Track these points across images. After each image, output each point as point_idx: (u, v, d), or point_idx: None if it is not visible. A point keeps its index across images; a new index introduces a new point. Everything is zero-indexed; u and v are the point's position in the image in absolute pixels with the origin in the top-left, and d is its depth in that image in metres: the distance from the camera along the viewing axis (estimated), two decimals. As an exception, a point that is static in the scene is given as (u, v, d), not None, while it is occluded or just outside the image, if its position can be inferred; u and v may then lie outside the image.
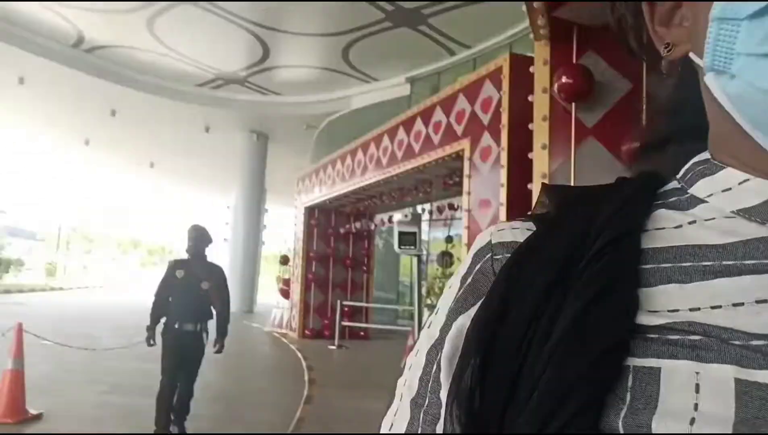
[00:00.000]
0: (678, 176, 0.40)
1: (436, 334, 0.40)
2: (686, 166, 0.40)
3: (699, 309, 0.31)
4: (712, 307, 0.31)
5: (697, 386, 0.28)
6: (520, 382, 0.31)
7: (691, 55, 0.37)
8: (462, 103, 5.95)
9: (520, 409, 0.30)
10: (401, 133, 7.38)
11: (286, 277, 12.75)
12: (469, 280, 0.40)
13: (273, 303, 13.52)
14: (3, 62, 12.61)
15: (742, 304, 0.30)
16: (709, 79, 0.35)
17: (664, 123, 0.46)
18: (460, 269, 0.42)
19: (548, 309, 0.33)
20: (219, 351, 4.60)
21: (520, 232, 0.40)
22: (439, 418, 0.37)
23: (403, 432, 0.39)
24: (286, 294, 12.38)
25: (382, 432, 0.42)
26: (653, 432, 0.28)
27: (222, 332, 4.64)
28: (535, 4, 3.37)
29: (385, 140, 7.90)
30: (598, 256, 0.34)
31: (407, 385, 0.41)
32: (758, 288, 0.31)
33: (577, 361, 0.30)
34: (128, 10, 10.75)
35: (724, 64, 0.34)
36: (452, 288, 0.41)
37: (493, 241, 0.40)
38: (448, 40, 11.18)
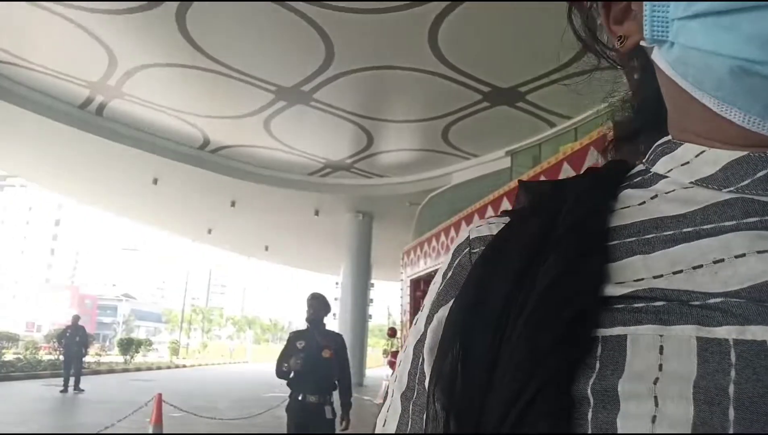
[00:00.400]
0: (643, 160, 0.42)
1: (421, 328, 0.41)
2: (651, 150, 0.41)
3: (662, 276, 0.32)
4: (674, 273, 0.32)
5: (661, 348, 0.29)
6: (498, 362, 0.32)
7: (642, 43, 0.39)
8: (567, 171, 6.00)
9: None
10: (505, 204, 7.49)
11: (394, 349, 12.88)
12: (450, 274, 0.41)
13: (381, 375, 13.63)
14: (140, 166, 14.23)
15: (701, 265, 0.32)
16: (655, 55, 0.38)
17: (633, 116, 0.47)
18: (442, 266, 0.43)
19: (521, 291, 0.34)
20: (346, 428, 4.51)
21: (496, 226, 0.41)
22: (425, 407, 0.38)
23: (395, 426, 0.40)
24: (394, 366, 12.41)
25: (377, 430, 0.43)
26: (618, 393, 0.29)
27: (346, 404, 4.58)
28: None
29: (489, 211, 8.02)
30: (564, 237, 0.35)
31: (397, 380, 0.42)
32: (715, 249, 0.32)
33: (543, 335, 0.31)
34: (248, 114, 11.92)
35: (661, 33, 0.36)
36: (435, 284, 0.42)
37: (471, 236, 0.42)
38: (547, 113, 11.32)
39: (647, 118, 0.45)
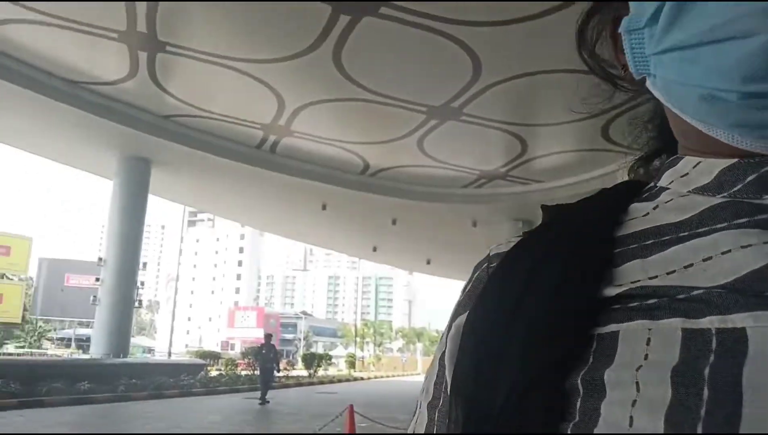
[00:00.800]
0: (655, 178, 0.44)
1: (443, 340, 0.43)
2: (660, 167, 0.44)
3: (657, 277, 0.34)
4: (668, 273, 0.33)
5: (648, 340, 0.31)
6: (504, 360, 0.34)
7: (636, 78, 0.41)
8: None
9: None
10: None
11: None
12: (468, 287, 0.43)
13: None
14: (310, 194, 15.46)
15: (692, 264, 0.33)
16: (648, 84, 0.40)
17: (647, 138, 0.49)
18: (465, 283, 0.45)
19: (529, 296, 0.36)
20: None
21: (508, 242, 0.43)
22: (449, 413, 0.39)
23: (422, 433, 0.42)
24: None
25: None
26: (604, 382, 0.30)
27: None
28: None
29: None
30: (568, 246, 0.38)
31: (425, 391, 0.44)
32: (705, 248, 0.34)
33: (538, 333, 0.33)
34: (402, 136, 12.44)
35: (643, 68, 0.39)
36: (457, 299, 0.44)
37: (491, 253, 0.44)
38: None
39: (666, 137, 0.45)
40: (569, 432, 0.30)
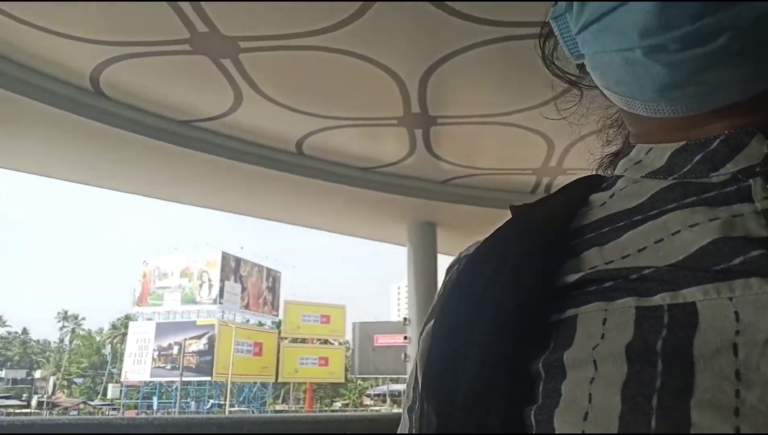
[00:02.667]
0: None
1: (418, 344, 0.43)
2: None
3: (612, 261, 0.35)
4: (623, 257, 0.34)
5: (605, 320, 0.32)
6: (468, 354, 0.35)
7: (578, 66, 0.45)
8: None
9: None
10: None
11: None
12: (441, 290, 0.44)
13: None
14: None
15: (645, 247, 0.34)
16: (588, 69, 0.42)
17: (614, 134, 0.51)
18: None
19: (489, 291, 0.37)
20: None
21: (474, 244, 0.45)
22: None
23: None
24: None
25: None
26: (564, 364, 0.31)
27: None
28: None
29: None
30: (525, 240, 0.39)
31: (405, 396, 0.45)
32: (656, 230, 0.35)
33: (501, 325, 0.34)
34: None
35: (574, 50, 0.41)
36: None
37: (461, 255, 0.45)
38: None
39: (626, 137, 0.49)
40: (532, 415, 0.32)
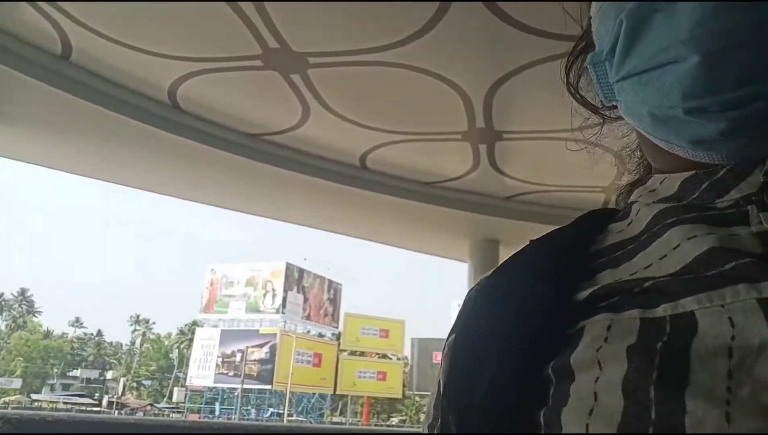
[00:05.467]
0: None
1: (440, 362, 0.45)
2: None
3: (621, 280, 0.37)
4: (630, 275, 0.37)
5: (609, 326, 0.34)
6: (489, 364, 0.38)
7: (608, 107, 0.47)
8: None
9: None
10: None
11: None
12: (462, 308, 0.46)
13: None
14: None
15: (651, 264, 0.37)
16: (620, 111, 0.45)
17: (635, 164, 0.54)
18: None
19: (507, 310, 0.39)
20: None
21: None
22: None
23: None
24: None
25: None
26: (572, 367, 0.33)
27: None
28: None
29: None
30: (544, 263, 0.42)
31: (426, 415, 0.46)
32: (660, 247, 0.37)
33: (515, 338, 0.37)
34: None
35: (610, 96, 0.44)
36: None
37: (481, 279, 0.47)
38: None
39: (646, 166, 0.51)
40: (542, 416, 0.34)
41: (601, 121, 0.54)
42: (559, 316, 0.37)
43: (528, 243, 0.49)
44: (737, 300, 0.31)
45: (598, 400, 0.31)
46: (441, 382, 0.44)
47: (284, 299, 37.13)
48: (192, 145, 5.49)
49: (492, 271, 0.48)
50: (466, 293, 0.50)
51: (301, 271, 39.58)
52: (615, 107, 0.48)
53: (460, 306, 0.48)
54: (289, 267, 38.39)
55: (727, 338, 0.30)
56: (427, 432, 0.45)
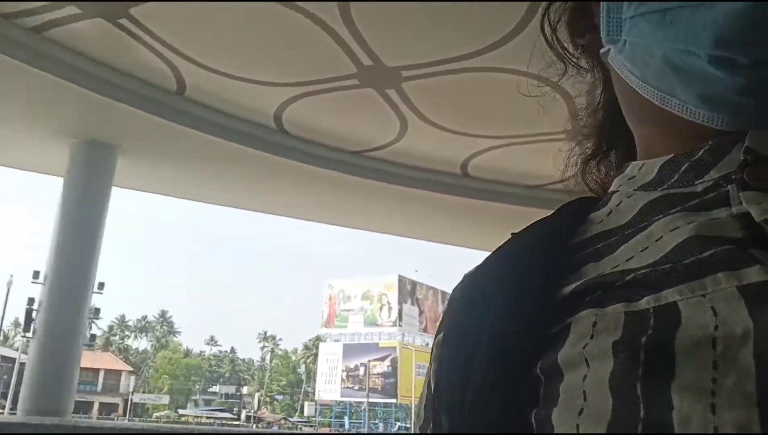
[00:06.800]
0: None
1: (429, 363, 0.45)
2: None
3: (604, 273, 0.36)
4: (612, 268, 0.36)
5: (595, 322, 0.33)
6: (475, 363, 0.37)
7: (601, 51, 0.44)
8: None
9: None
10: None
11: None
12: (445, 308, 0.46)
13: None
14: None
15: (633, 257, 0.36)
16: (611, 57, 0.42)
17: (590, 128, 0.52)
18: None
19: (491, 307, 0.39)
20: None
21: (476, 265, 0.47)
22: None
23: None
24: None
25: None
26: (559, 365, 0.33)
27: None
28: None
29: None
30: (525, 256, 0.41)
31: (417, 414, 0.46)
32: (642, 240, 0.36)
33: (502, 338, 0.37)
34: None
35: (616, 32, 0.41)
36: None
37: (465, 275, 0.47)
38: None
39: (606, 140, 0.50)
40: (533, 417, 0.34)
41: (563, 69, 0.52)
42: (546, 312, 0.37)
43: (510, 236, 0.48)
44: (718, 289, 0.31)
45: (587, 400, 0.31)
46: (431, 383, 0.43)
47: (400, 312, 37.50)
48: (298, 166, 5.76)
49: (475, 267, 0.47)
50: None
51: (414, 284, 39.81)
52: (591, 54, 0.47)
53: (448, 302, 0.48)
54: (401, 280, 38.78)
55: (711, 328, 0.30)
56: (419, 433, 0.45)
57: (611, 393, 0.30)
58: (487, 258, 0.46)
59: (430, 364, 0.45)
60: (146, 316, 62.36)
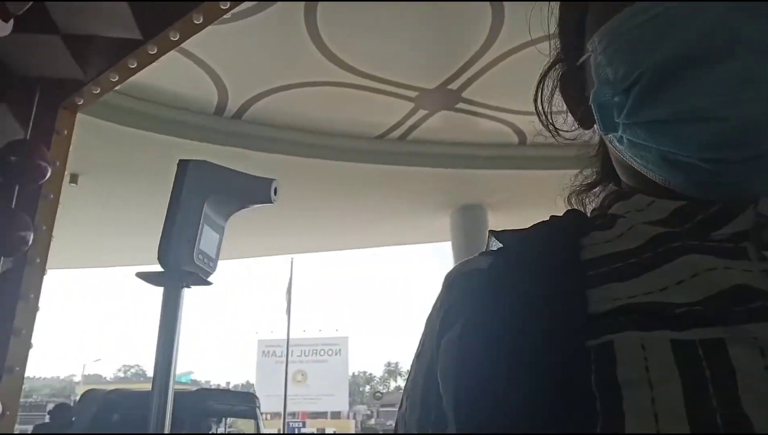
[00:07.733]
0: (596, 206, 0.51)
1: (428, 356, 0.44)
2: (602, 199, 0.50)
3: (636, 296, 0.37)
4: (645, 294, 0.37)
5: (643, 347, 0.34)
6: (510, 371, 0.36)
7: (598, 132, 0.50)
8: None
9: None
10: None
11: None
12: (447, 305, 0.45)
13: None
14: None
15: (667, 287, 0.37)
16: (610, 141, 0.46)
17: (597, 170, 0.55)
18: (435, 302, 0.47)
19: (523, 315, 0.38)
20: None
21: (476, 261, 0.46)
22: (445, 426, 0.41)
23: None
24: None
25: None
26: (619, 383, 0.33)
27: None
28: None
29: None
30: (551, 268, 0.41)
31: (408, 410, 0.46)
32: (676, 271, 0.38)
33: (542, 351, 0.35)
34: None
35: (611, 130, 0.43)
36: (431, 318, 0.46)
37: (462, 271, 0.46)
38: None
39: (605, 172, 0.53)
40: (598, 431, 0.32)
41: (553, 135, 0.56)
42: (584, 327, 0.36)
43: (490, 235, 0.49)
44: (766, 335, 0.32)
45: (659, 423, 0.31)
46: (441, 382, 0.42)
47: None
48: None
49: (473, 261, 0.47)
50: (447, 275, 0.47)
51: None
52: (587, 125, 0.51)
53: (448, 297, 0.45)
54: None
55: (761, 367, 0.31)
56: (415, 426, 0.44)
57: (689, 418, 0.30)
58: (496, 262, 0.45)
59: (431, 357, 0.44)
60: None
